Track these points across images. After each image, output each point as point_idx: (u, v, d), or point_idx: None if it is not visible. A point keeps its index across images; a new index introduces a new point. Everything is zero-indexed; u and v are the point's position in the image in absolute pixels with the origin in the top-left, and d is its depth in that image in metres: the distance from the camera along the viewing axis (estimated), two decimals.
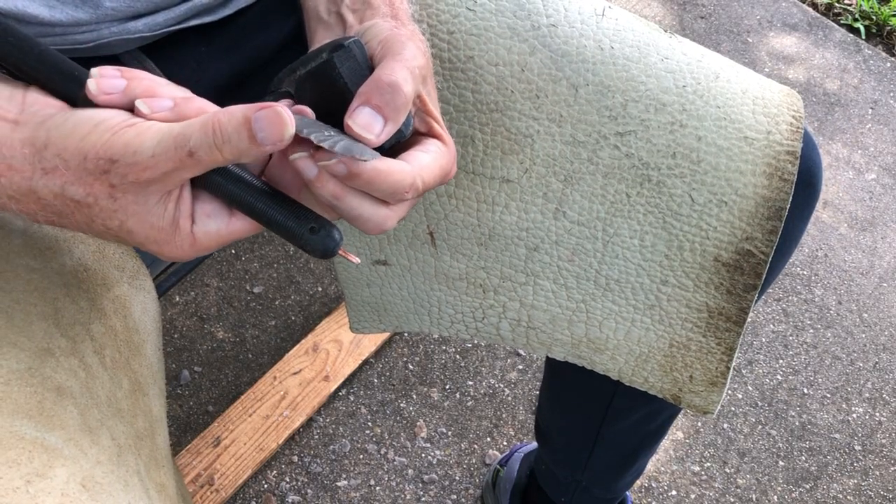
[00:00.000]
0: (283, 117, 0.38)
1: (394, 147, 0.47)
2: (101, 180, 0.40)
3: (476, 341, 1.34)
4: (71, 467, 0.42)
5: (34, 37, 0.44)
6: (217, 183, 0.42)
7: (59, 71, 0.43)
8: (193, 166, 0.39)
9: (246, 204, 0.43)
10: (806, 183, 0.60)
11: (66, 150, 0.40)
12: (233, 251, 1.42)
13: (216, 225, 0.43)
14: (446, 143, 0.49)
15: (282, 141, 0.39)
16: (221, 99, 0.61)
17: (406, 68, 0.45)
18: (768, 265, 0.57)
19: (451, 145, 0.49)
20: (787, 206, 0.55)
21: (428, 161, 0.46)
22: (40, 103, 0.42)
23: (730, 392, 1.34)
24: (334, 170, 0.42)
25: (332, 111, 0.46)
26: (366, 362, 1.29)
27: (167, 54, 0.59)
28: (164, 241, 0.42)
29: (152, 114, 0.42)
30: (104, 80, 0.42)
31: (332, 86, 0.46)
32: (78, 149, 0.40)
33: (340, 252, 0.43)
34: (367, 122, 0.43)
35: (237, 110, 0.39)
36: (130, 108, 0.42)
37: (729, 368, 0.62)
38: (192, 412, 1.23)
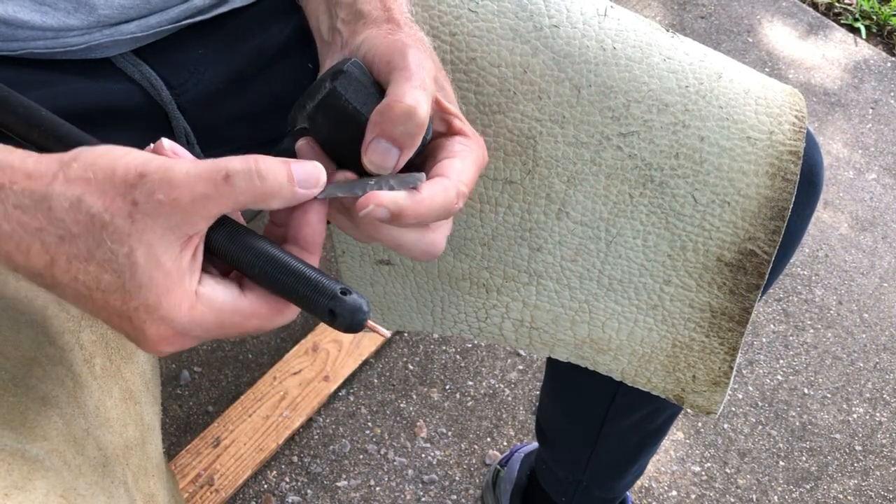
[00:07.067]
0: (319, 167, 0.40)
1: (419, 155, 0.46)
2: (125, 196, 0.37)
3: (479, 341, 1.34)
4: (52, 479, 0.41)
5: (36, 105, 0.44)
6: (234, 251, 0.39)
7: (63, 142, 0.43)
8: (227, 196, 0.37)
9: (265, 273, 0.39)
10: (807, 182, 0.60)
11: (95, 165, 0.38)
12: None
13: (223, 295, 0.39)
14: (470, 136, 0.47)
15: (317, 186, 0.39)
16: (221, 102, 0.61)
17: (417, 86, 0.44)
18: (771, 265, 0.57)
19: (475, 136, 0.48)
20: (790, 206, 0.55)
21: (461, 165, 0.45)
22: None
23: (730, 392, 1.34)
24: (376, 215, 0.41)
25: (351, 138, 0.45)
26: (366, 362, 1.29)
27: (163, 58, 0.59)
28: (164, 289, 0.37)
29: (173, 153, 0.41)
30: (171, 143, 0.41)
31: (343, 114, 0.45)
32: (108, 165, 0.38)
33: (368, 324, 0.40)
34: (380, 157, 0.43)
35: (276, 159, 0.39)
36: None
37: (732, 368, 0.62)
38: (192, 412, 1.23)
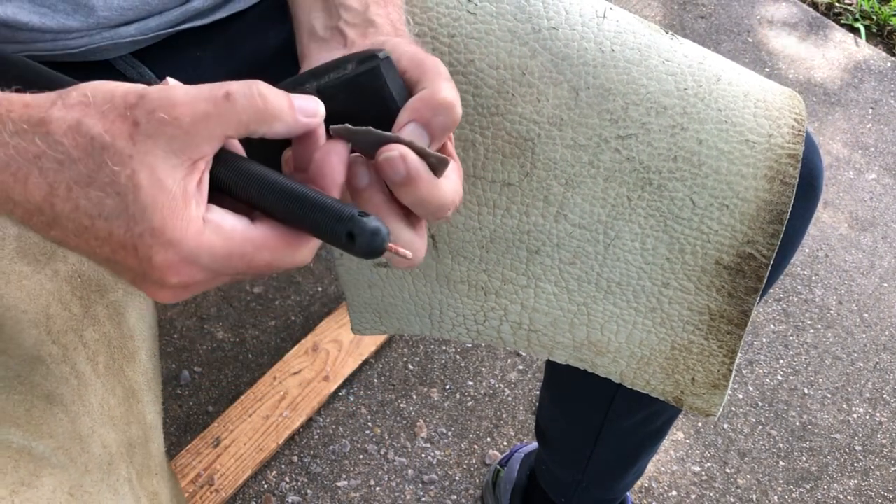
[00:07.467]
0: (317, 101, 0.39)
1: None
2: (125, 117, 0.36)
3: (478, 343, 1.34)
4: (59, 476, 0.42)
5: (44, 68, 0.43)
6: (241, 183, 0.38)
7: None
8: (229, 113, 0.36)
9: (276, 202, 0.37)
10: (807, 185, 0.60)
11: (94, 89, 0.37)
12: None
13: (232, 222, 0.37)
14: (457, 161, 0.47)
15: (316, 116, 0.39)
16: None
17: (455, 90, 0.44)
18: (769, 268, 0.57)
19: (457, 159, 0.48)
20: (789, 210, 0.55)
21: (456, 181, 0.45)
22: None
23: (730, 392, 1.34)
24: (394, 164, 0.40)
25: (365, 121, 0.43)
26: (366, 362, 1.29)
27: (162, 59, 0.59)
28: (170, 211, 0.35)
29: None
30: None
31: (374, 96, 0.43)
32: (108, 89, 0.37)
33: (390, 246, 0.37)
34: (412, 139, 0.42)
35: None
36: None
37: (731, 371, 0.62)
38: (192, 412, 1.23)
